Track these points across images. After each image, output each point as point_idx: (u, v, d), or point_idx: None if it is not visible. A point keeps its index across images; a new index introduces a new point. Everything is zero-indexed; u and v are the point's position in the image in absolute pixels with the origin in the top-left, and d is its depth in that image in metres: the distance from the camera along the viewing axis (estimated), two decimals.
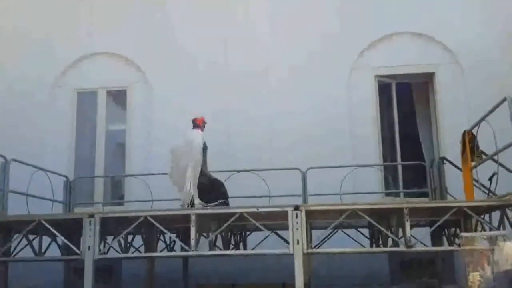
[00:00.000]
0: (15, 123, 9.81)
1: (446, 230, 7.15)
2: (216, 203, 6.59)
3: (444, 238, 7.23)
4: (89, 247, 5.89)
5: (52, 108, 9.99)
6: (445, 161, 7.93)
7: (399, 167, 9.26)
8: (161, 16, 10.13)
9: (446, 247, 7.03)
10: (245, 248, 7.66)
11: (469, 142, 6.46)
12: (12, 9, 10.47)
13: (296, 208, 5.74)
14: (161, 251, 7.38)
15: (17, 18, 10.43)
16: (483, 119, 6.03)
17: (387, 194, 9.01)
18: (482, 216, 6.08)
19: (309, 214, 5.91)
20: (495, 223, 5.87)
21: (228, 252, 6.61)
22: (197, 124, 7.11)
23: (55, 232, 6.24)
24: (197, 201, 6.53)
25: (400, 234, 5.94)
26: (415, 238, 5.73)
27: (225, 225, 6.03)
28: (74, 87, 10.15)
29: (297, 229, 5.65)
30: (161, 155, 9.31)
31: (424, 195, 8.33)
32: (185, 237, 6.82)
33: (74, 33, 10.21)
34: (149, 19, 10.15)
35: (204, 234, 6.49)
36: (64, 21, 10.32)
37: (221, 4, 10.03)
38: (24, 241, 6.59)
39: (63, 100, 10.06)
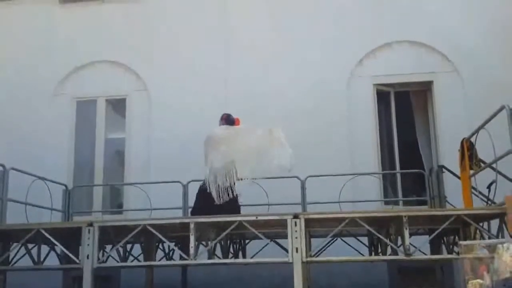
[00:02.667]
0: (14, 131, 9.82)
1: (445, 238, 7.14)
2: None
3: (443, 246, 7.23)
4: (88, 256, 5.87)
5: (51, 117, 10.00)
6: (444, 169, 7.94)
7: (398, 175, 9.27)
8: (160, 24, 10.18)
9: (445, 255, 7.03)
10: (244, 257, 7.64)
11: (468, 150, 6.47)
12: (12, 17, 10.52)
13: (295, 216, 5.73)
14: (160, 259, 7.37)
15: (17, 26, 10.48)
16: (481, 127, 6.04)
17: (386, 202, 9.00)
18: (481, 224, 6.07)
19: (308, 222, 5.90)
20: (494, 231, 5.87)
21: (227, 260, 6.59)
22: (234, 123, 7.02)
23: (53, 241, 6.22)
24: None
25: (399, 242, 5.93)
26: (414, 246, 5.71)
27: (224, 233, 6.01)
28: (74, 96, 10.17)
29: (296, 238, 5.64)
30: (160, 163, 9.37)
31: (423, 203, 8.33)
32: (184, 246, 6.81)
33: (74, 42, 10.25)
34: (148, 27, 10.20)
35: (203, 242, 6.48)
36: (63, 30, 10.37)
37: (220, 12, 10.07)
38: (23, 250, 6.57)
39: (62, 108, 10.08)
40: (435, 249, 7.18)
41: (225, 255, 6.84)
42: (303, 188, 7.92)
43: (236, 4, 10.09)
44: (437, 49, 9.48)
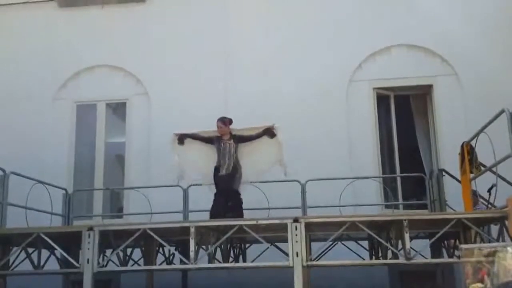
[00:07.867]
0: (14, 135, 9.82)
1: (445, 242, 7.14)
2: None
3: (444, 250, 7.22)
4: (88, 260, 5.87)
5: (51, 121, 10.01)
6: (444, 173, 7.93)
7: (398, 179, 9.26)
8: (160, 29, 10.20)
9: (445, 259, 7.02)
10: (244, 261, 7.64)
11: (468, 154, 6.46)
12: (13, 22, 10.54)
13: (296, 220, 5.73)
14: (160, 264, 7.35)
15: (17, 30, 10.49)
16: (481, 130, 6.03)
17: (387, 206, 9.00)
18: (481, 228, 6.07)
19: (309, 226, 5.90)
20: (495, 234, 5.86)
21: (227, 265, 6.59)
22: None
23: (54, 245, 6.22)
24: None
25: (400, 246, 5.92)
26: (414, 250, 5.71)
27: (225, 237, 6.01)
28: (74, 100, 10.18)
29: (296, 242, 5.63)
30: (160, 167, 9.35)
31: (424, 207, 8.33)
32: (184, 250, 6.80)
33: (74, 46, 10.26)
34: (148, 31, 10.22)
35: (204, 246, 6.48)
36: (63, 34, 10.39)
37: (220, 16, 10.08)
38: (23, 254, 6.56)
39: (62, 112, 10.09)
40: (435, 252, 7.17)
41: (226, 259, 6.83)
42: (303, 192, 7.91)
43: (237, 8, 10.10)
44: (437, 53, 9.49)
